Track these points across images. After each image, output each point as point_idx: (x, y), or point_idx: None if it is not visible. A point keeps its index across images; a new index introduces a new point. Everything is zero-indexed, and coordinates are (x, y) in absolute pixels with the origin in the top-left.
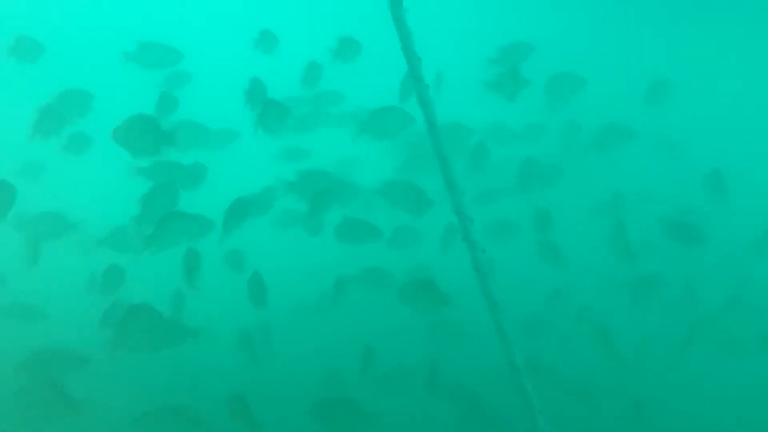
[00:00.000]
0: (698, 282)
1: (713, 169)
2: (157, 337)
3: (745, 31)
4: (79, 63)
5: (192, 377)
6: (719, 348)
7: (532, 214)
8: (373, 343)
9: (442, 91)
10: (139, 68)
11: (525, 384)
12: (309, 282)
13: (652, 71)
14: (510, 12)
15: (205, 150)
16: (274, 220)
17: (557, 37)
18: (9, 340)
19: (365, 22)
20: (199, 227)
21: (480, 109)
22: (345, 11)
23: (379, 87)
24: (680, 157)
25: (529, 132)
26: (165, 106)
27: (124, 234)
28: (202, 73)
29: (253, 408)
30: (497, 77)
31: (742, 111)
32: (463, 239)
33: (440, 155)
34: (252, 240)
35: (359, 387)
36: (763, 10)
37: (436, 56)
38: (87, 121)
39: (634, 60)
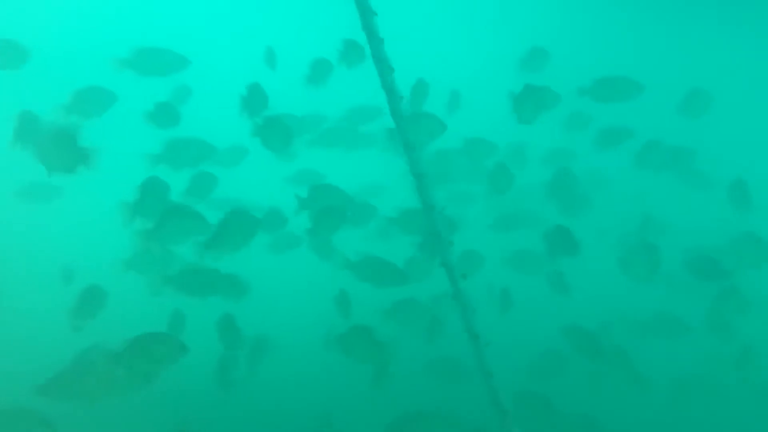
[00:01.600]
0: (734, 319)
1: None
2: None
3: None
4: (69, 69)
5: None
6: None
7: (553, 244)
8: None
9: (460, 108)
10: (137, 76)
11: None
12: (308, 313)
13: (684, 84)
14: (533, 21)
15: (207, 166)
16: (271, 245)
17: (583, 54)
18: None
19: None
20: (195, 249)
21: (500, 127)
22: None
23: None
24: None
25: (551, 152)
26: (165, 117)
27: (109, 262)
28: (207, 85)
29: None
30: (519, 93)
31: None
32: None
33: (425, 202)
34: (248, 264)
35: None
36: None
37: (451, 71)
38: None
39: (664, 73)
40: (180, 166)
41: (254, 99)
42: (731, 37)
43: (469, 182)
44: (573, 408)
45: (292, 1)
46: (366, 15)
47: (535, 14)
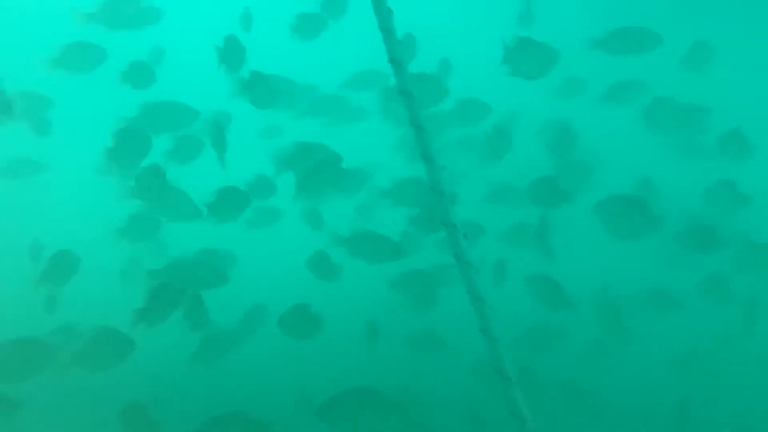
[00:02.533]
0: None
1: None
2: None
3: None
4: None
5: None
6: None
7: (548, 212)
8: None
9: (453, 71)
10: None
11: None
12: (295, 286)
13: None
14: None
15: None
16: (251, 220)
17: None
18: None
19: None
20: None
21: (497, 90)
22: None
23: None
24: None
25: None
26: (140, 77)
27: (84, 233)
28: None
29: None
30: (519, 53)
31: None
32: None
33: (425, 155)
34: (234, 237)
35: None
36: None
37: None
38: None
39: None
40: (158, 131)
41: (231, 55)
42: None
43: (463, 148)
44: (568, 380)
45: None
46: None
47: None
